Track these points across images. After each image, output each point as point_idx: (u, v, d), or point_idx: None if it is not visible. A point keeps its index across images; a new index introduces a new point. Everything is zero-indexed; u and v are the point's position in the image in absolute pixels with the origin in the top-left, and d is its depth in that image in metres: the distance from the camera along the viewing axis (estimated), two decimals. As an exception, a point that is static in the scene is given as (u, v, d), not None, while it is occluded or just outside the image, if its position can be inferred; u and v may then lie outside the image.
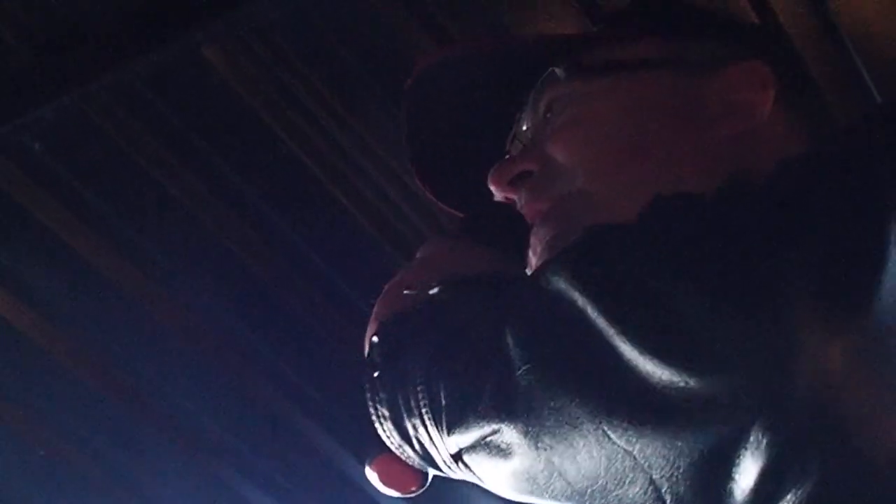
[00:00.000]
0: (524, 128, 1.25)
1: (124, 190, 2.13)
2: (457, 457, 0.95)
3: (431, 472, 1.03)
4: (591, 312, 0.84)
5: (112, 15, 1.88)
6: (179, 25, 1.86)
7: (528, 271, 1.18)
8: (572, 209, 1.14)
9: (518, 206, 1.22)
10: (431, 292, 1.03)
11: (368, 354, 1.05)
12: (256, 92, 1.99)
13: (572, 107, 1.20)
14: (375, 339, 1.03)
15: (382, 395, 1.00)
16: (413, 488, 1.06)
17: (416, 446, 0.99)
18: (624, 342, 0.82)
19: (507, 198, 1.23)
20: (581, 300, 0.85)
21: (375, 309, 1.12)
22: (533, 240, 1.19)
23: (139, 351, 2.41)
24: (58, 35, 1.91)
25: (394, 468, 1.04)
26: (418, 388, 0.95)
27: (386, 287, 1.14)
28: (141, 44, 1.89)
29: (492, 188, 1.23)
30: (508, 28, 1.91)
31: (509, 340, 0.88)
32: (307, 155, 2.07)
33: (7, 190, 2.11)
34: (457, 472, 0.99)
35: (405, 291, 1.06)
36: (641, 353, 0.82)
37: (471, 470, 0.97)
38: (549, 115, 1.22)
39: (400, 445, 1.01)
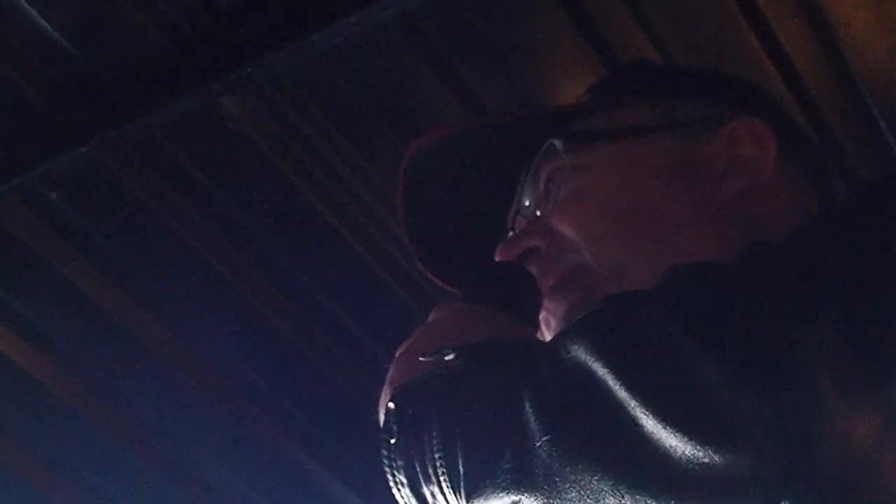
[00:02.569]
0: (526, 203, 1.25)
1: (141, 238, 2.14)
2: None
3: None
4: (612, 383, 0.83)
5: (130, 66, 1.90)
6: (197, 76, 1.88)
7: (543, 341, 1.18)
8: (583, 283, 1.14)
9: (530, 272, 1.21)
10: (447, 359, 1.02)
11: (385, 421, 1.03)
12: (273, 142, 2.00)
13: (573, 179, 1.20)
14: (392, 405, 1.02)
15: (400, 463, 0.99)
16: None
17: None
18: (645, 414, 0.82)
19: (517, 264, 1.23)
20: (601, 370, 0.84)
21: (389, 374, 1.11)
22: (546, 314, 1.19)
23: (151, 394, 2.41)
24: (76, 85, 1.93)
25: None
26: (436, 456, 0.94)
27: (399, 353, 1.13)
28: (159, 94, 1.90)
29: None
30: (522, 75, 1.92)
31: (528, 410, 0.87)
32: (323, 204, 2.08)
33: (24, 238, 2.12)
34: None
35: (420, 358, 1.05)
36: (664, 426, 0.81)
37: None
38: (550, 188, 1.22)
39: None
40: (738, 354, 0.82)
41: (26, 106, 1.94)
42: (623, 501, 0.83)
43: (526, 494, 0.87)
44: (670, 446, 0.81)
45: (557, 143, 1.22)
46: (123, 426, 2.44)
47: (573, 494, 0.85)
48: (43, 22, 1.86)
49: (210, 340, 2.30)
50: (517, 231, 1.26)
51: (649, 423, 0.82)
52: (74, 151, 1.95)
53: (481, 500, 0.91)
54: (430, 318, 1.17)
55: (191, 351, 2.32)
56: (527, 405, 0.88)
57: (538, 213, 1.23)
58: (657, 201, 1.15)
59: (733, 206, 1.15)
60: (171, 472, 2.53)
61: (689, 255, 1.04)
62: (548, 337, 1.18)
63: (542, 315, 1.19)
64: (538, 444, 0.86)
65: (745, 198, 1.16)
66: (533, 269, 1.20)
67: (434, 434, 0.95)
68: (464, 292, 1.22)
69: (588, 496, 0.84)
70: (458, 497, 0.94)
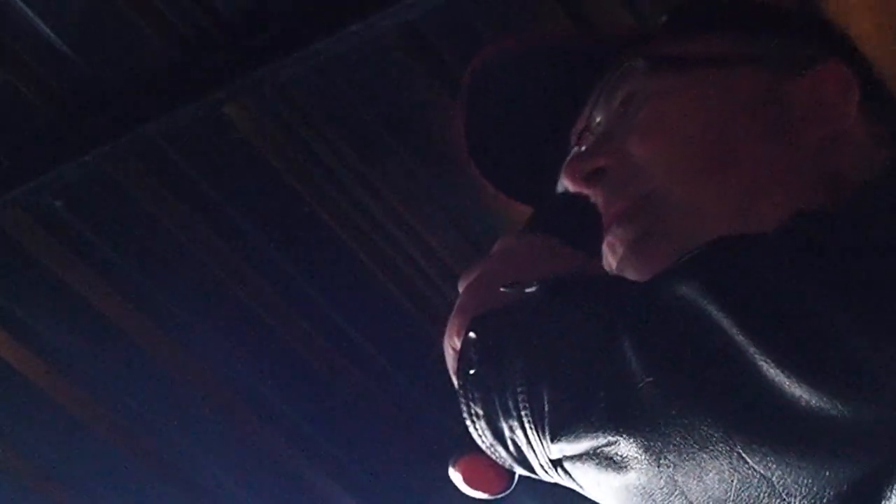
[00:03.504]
0: (597, 120, 1.18)
1: (144, 247, 2.14)
2: (557, 462, 0.91)
3: (521, 472, 0.98)
4: (729, 327, 0.78)
5: (134, 74, 1.90)
6: (201, 84, 1.88)
7: (609, 271, 1.11)
8: (652, 214, 1.08)
9: (593, 202, 1.14)
10: (529, 290, 0.98)
11: (462, 350, 0.97)
12: (277, 150, 2.00)
13: (653, 102, 1.13)
14: (472, 334, 0.96)
15: (477, 394, 0.94)
16: (499, 489, 1.01)
17: (511, 448, 0.92)
18: (767, 362, 0.76)
19: (581, 193, 1.16)
20: (716, 313, 0.79)
21: (460, 302, 1.05)
22: (611, 239, 1.12)
23: (156, 406, 2.41)
24: (80, 94, 1.93)
25: (479, 469, 0.99)
26: (518, 391, 0.89)
27: (468, 280, 1.06)
28: (162, 103, 1.90)
29: (566, 183, 1.16)
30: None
31: (627, 350, 0.82)
32: (326, 212, 2.08)
33: (28, 247, 2.13)
34: (554, 477, 0.93)
35: (501, 288, 0.97)
36: (788, 375, 0.76)
37: (572, 477, 0.90)
38: (627, 109, 1.16)
39: (492, 445, 0.94)
40: (874, 303, 0.77)
41: (30, 114, 1.94)
42: (735, 450, 0.78)
43: (624, 436, 0.82)
44: (794, 395, 0.76)
45: (639, 63, 1.15)
46: (126, 433, 2.44)
47: (678, 439, 0.80)
48: (47, 30, 1.86)
49: (213, 348, 2.29)
50: (585, 148, 1.18)
51: (771, 371, 0.76)
52: (78, 160, 1.95)
53: (570, 439, 0.86)
54: (495, 249, 1.12)
55: (193, 358, 2.31)
56: (626, 345, 0.83)
57: (611, 132, 1.16)
58: (740, 139, 1.09)
59: (812, 154, 1.08)
60: (172, 478, 2.53)
61: (765, 203, 1.00)
62: (612, 266, 1.12)
63: (608, 239, 1.12)
64: (640, 385, 0.81)
65: (825, 146, 1.09)
66: (597, 192, 1.13)
67: (518, 367, 0.90)
68: (525, 224, 1.17)
69: (694, 442, 0.79)
70: (541, 434, 0.89)
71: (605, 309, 0.88)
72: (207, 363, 2.33)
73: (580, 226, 1.12)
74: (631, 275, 1.08)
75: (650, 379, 0.81)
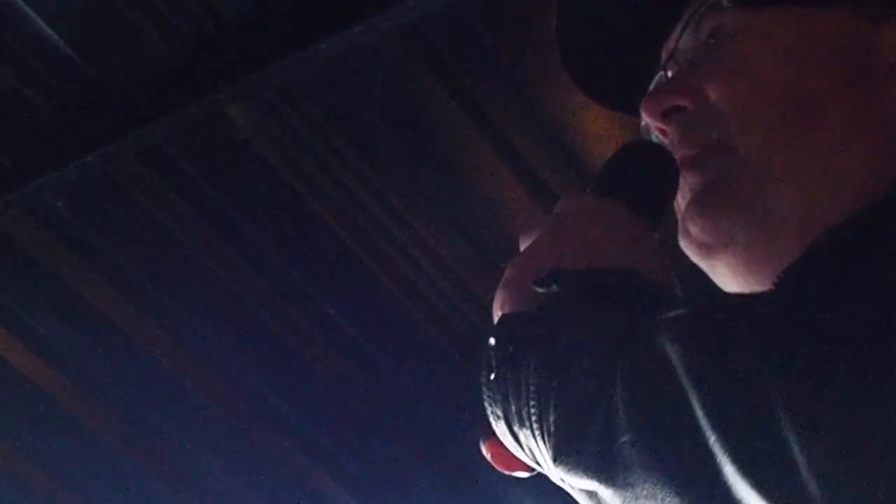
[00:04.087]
0: (685, 47, 1.13)
1: (145, 247, 2.14)
2: (561, 479, 0.91)
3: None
4: (698, 406, 0.77)
5: (136, 75, 1.91)
6: (202, 85, 1.88)
7: (677, 214, 1.10)
8: (723, 163, 1.04)
9: (668, 139, 1.12)
10: (555, 290, 0.96)
11: (485, 353, 0.97)
12: (278, 151, 2.01)
13: (738, 41, 1.08)
14: (492, 339, 0.96)
15: (497, 397, 0.95)
16: (522, 471, 1.03)
17: (527, 451, 0.93)
18: (726, 456, 0.75)
19: (657, 127, 1.12)
20: (689, 386, 0.78)
21: (502, 286, 1.04)
22: (682, 182, 1.09)
23: (156, 405, 2.41)
24: (82, 95, 1.93)
25: (505, 450, 1.02)
26: (531, 403, 0.90)
27: (520, 255, 1.03)
28: (164, 104, 1.90)
29: (644, 116, 1.13)
30: (528, 84, 1.92)
31: (618, 397, 0.83)
32: (329, 213, 2.08)
33: (30, 247, 2.13)
34: (562, 485, 0.95)
35: (532, 287, 0.96)
36: (742, 478, 0.74)
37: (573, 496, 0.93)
38: (711, 42, 1.11)
39: (512, 443, 0.95)
40: (842, 435, 0.73)
41: (32, 115, 1.95)
42: None
43: (604, 485, 0.84)
44: (744, 500, 0.75)
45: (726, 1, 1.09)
46: (127, 433, 2.44)
47: (644, 500, 0.81)
48: (50, 32, 1.87)
49: (214, 348, 2.30)
50: (668, 79, 1.14)
51: (727, 468, 0.75)
52: (80, 161, 1.95)
53: (564, 469, 0.88)
54: (556, 212, 1.10)
55: (194, 358, 2.32)
56: (618, 390, 0.83)
57: (696, 64, 1.12)
58: (822, 96, 1.03)
59: (891, 113, 1.03)
60: (174, 479, 2.53)
61: (847, 165, 0.97)
62: (681, 207, 1.09)
63: (679, 181, 1.09)
64: (623, 440, 0.82)
65: None
66: (673, 129, 1.10)
67: (531, 379, 0.91)
68: (596, 180, 1.14)
69: None
70: (547, 449, 0.90)
71: (613, 339, 0.87)
72: (209, 363, 2.34)
73: (649, 183, 1.08)
74: (693, 225, 1.06)
75: (629, 436, 0.81)
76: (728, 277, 1.06)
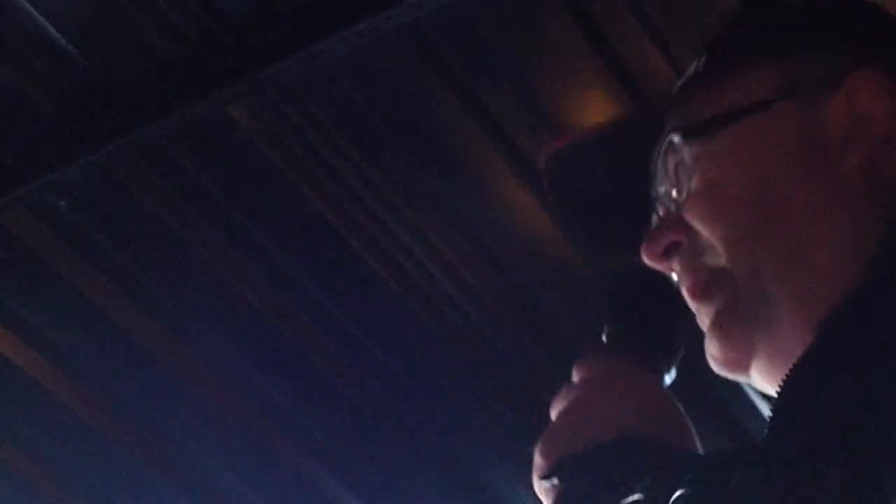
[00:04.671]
0: (662, 190, 1.21)
1: (149, 247, 2.14)
2: None
3: None
4: None
5: (138, 74, 1.90)
6: (205, 84, 1.87)
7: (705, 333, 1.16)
8: (723, 286, 1.11)
9: (675, 274, 1.20)
10: (556, 484, 1.06)
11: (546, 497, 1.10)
12: (282, 150, 2.00)
13: (700, 170, 1.15)
14: (556, 480, 1.09)
15: None
16: None
17: None
18: None
19: (664, 267, 1.21)
20: None
21: (535, 458, 1.14)
22: (699, 311, 1.16)
23: (159, 406, 2.41)
24: (84, 94, 1.93)
25: None
26: None
27: (544, 434, 1.16)
28: (166, 103, 1.90)
29: (646, 261, 1.20)
30: (532, 84, 1.91)
31: None
32: (332, 213, 2.08)
33: (32, 247, 2.13)
34: None
35: (540, 480, 1.11)
36: None
37: None
38: (680, 178, 1.17)
39: None
40: None
41: (35, 114, 1.94)
42: None
43: None
44: None
45: (676, 138, 1.17)
46: (130, 434, 2.44)
47: None
48: (52, 29, 1.86)
49: (217, 347, 2.29)
50: (658, 221, 1.22)
51: None
52: (82, 160, 1.95)
53: None
54: (574, 377, 1.19)
55: (198, 359, 2.31)
56: None
57: (676, 202, 1.19)
58: (784, 190, 1.09)
59: (859, 174, 1.07)
60: (178, 480, 2.53)
61: (823, 247, 1.02)
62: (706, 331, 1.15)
63: (698, 309, 1.17)
64: None
65: (871, 159, 1.08)
66: (675, 267, 1.18)
67: None
68: (607, 340, 1.24)
69: None
70: None
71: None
72: (212, 363, 2.33)
73: (659, 328, 1.20)
74: (715, 351, 1.13)
75: None
76: (766, 382, 1.12)
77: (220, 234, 2.12)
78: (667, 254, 1.18)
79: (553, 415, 1.15)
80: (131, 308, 2.24)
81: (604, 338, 1.26)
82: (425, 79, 1.91)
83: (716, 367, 1.15)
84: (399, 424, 2.40)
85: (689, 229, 1.15)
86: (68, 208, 2.07)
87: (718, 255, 1.12)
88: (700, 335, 1.17)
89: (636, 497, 0.92)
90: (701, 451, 1.10)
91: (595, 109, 1.95)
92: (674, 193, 1.19)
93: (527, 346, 2.28)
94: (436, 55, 1.89)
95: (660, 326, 1.22)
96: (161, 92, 1.90)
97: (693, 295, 1.16)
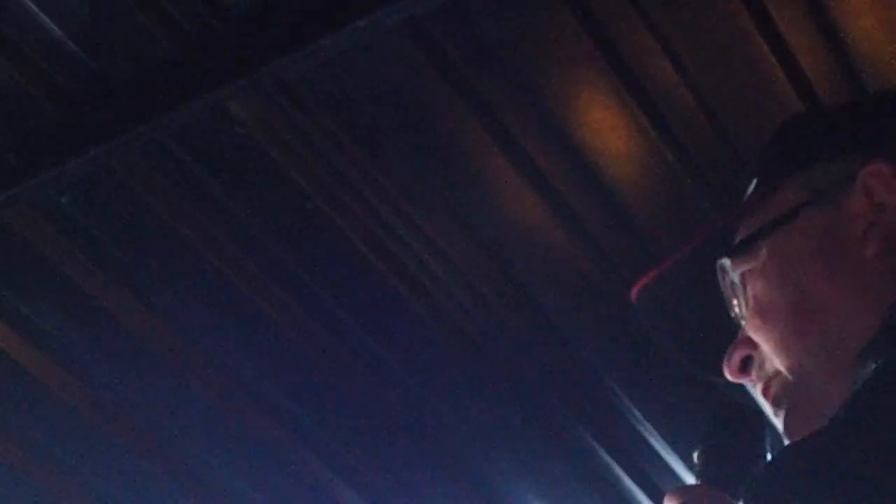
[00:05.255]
0: (737, 309, 1.31)
1: (149, 243, 2.14)
2: None
3: None
4: None
5: (140, 70, 1.90)
6: (206, 81, 1.88)
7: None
8: (782, 392, 1.23)
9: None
10: None
11: None
12: (282, 147, 2.00)
13: (748, 287, 1.26)
14: None
15: None
16: None
17: None
18: None
19: (746, 380, 1.31)
20: None
21: None
22: (776, 416, 1.27)
23: (159, 401, 2.40)
24: (86, 90, 1.93)
25: None
26: None
27: None
28: (168, 99, 1.90)
29: (727, 377, 1.30)
30: (530, 79, 1.92)
31: None
32: (333, 209, 2.08)
33: (33, 242, 2.13)
34: None
35: None
36: None
37: None
38: (738, 297, 1.28)
39: None
40: None
41: (36, 110, 1.95)
42: None
43: None
44: None
45: (724, 262, 1.28)
46: (130, 430, 2.44)
47: None
48: (53, 27, 1.87)
49: (218, 345, 2.29)
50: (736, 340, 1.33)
51: None
52: (84, 156, 1.95)
53: None
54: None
55: (198, 356, 2.31)
56: None
57: (740, 315, 1.30)
58: (816, 291, 1.20)
59: (881, 257, 1.17)
60: (178, 476, 2.52)
61: (858, 335, 1.11)
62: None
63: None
64: None
65: (888, 241, 1.18)
66: (752, 378, 1.28)
67: None
68: (699, 461, 1.37)
69: None
70: None
71: None
72: (214, 360, 2.33)
73: (742, 456, 1.33)
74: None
75: None
76: None
77: (221, 230, 2.12)
78: (744, 368, 1.28)
79: None
80: (131, 301, 2.24)
81: (695, 457, 1.39)
82: (425, 74, 1.91)
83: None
84: (398, 419, 2.40)
85: (752, 343, 1.26)
86: (69, 204, 2.07)
87: (771, 359, 1.23)
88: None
89: None
90: None
91: (598, 106, 1.96)
92: (738, 310, 1.30)
93: (532, 349, 2.28)
94: (434, 48, 1.89)
95: (748, 457, 1.36)
96: (161, 88, 1.90)
97: (769, 398, 1.26)
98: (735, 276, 1.27)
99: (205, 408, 2.37)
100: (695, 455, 1.40)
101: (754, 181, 1.34)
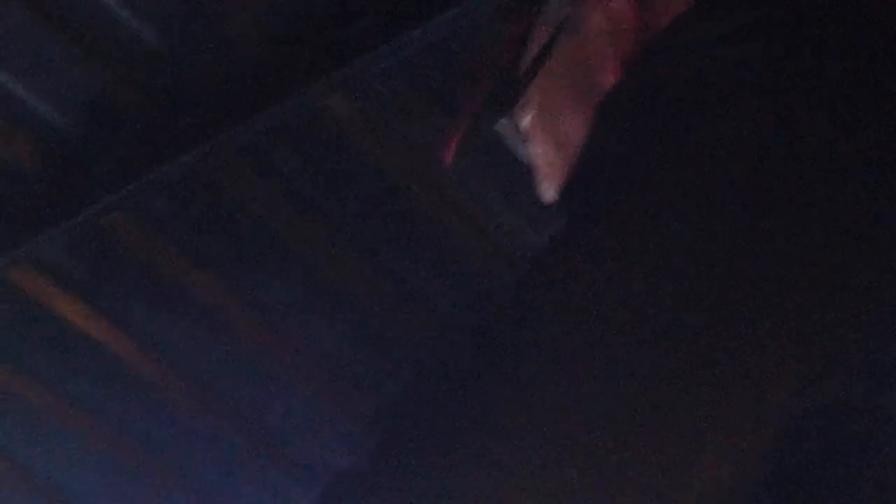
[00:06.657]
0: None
1: (247, 244, 2.14)
2: None
3: None
4: None
5: (227, 71, 1.89)
6: (297, 79, 1.86)
7: None
8: None
9: None
10: None
11: None
12: (378, 143, 1.98)
13: None
14: None
15: None
16: None
17: None
18: None
19: None
20: None
21: None
22: None
23: (254, 391, 2.42)
24: (175, 94, 1.92)
25: None
26: None
27: None
28: (258, 99, 1.89)
29: None
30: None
31: None
32: (429, 205, 2.06)
33: (131, 247, 2.14)
34: None
35: None
36: None
37: None
38: None
39: None
40: None
41: (128, 117, 1.94)
42: None
43: None
44: None
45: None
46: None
47: None
48: (138, 29, 1.85)
49: (315, 341, 2.30)
50: None
51: None
52: (176, 161, 1.94)
53: None
54: None
55: (291, 346, 2.32)
56: None
57: None
58: None
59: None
60: (283, 461, 2.54)
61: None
62: None
63: None
64: None
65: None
66: None
67: None
68: None
69: None
70: None
71: None
72: (313, 354, 2.33)
73: None
74: None
75: None
76: None
77: (315, 226, 2.12)
78: None
79: None
80: (229, 299, 2.25)
81: None
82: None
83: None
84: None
85: None
86: (166, 208, 2.07)
87: None
88: None
89: None
90: None
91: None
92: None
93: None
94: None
95: None
96: (251, 89, 1.88)
97: None
98: None
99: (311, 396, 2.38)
100: None
101: None
